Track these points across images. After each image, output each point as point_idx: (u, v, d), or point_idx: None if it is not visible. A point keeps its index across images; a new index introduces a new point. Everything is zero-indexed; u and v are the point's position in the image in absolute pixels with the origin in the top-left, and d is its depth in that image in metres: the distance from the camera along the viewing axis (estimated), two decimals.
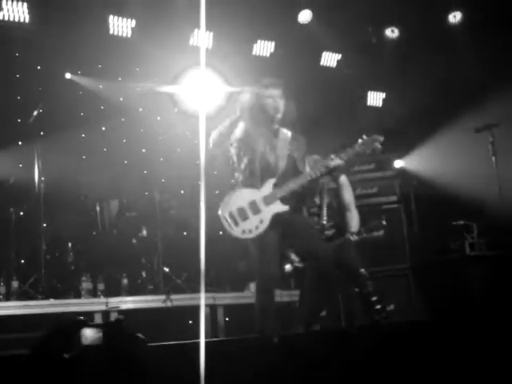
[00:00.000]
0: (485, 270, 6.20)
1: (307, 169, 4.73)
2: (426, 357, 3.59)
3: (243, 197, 4.56)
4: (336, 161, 4.57)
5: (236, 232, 4.48)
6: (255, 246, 4.54)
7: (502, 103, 6.90)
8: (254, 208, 4.53)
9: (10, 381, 2.44)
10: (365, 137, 4.68)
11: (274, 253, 4.58)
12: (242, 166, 4.68)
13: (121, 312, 5.60)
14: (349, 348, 3.57)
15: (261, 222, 4.51)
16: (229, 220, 4.49)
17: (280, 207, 4.56)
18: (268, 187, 4.58)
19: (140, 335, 2.02)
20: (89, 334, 2.01)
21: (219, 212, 4.51)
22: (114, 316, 5.50)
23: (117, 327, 1.99)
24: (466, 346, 3.70)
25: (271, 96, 4.69)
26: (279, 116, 4.72)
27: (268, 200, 4.55)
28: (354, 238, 5.50)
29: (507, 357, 3.65)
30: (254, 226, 4.49)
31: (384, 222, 5.83)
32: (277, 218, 4.53)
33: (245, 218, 4.51)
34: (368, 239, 5.76)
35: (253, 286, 6.18)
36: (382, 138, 4.69)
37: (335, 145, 4.80)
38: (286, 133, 4.80)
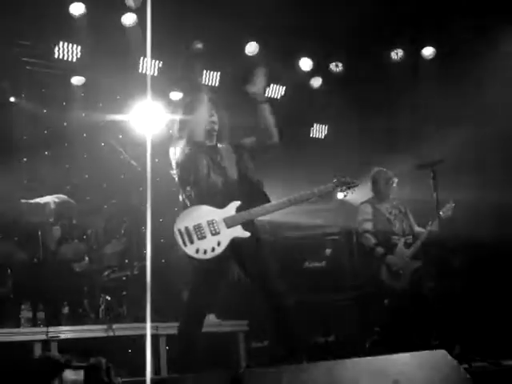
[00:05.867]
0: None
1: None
2: None
3: (202, 214, 4.22)
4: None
5: (189, 250, 4.14)
6: (200, 270, 4.26)
7: (443, 141, 7.13)
8: (213, 228, 4.20)
9: None
10: (341, 179, 4.56)
11: (215, 284, 4.31)
12: (188, 189, 4.37)
13: (61, 341, 5.47)
14: None
15: (218, 244, 4.17)
16: (184, 236, 4.15)
17: (240, 232, 4.24)
18: (231, 208, 4.28)
19: (119, 379, 1.96)
20: (69, 376, 1.96)
21: (174, 226, 4.17)
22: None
23: (96, 369, 1.94)
24: None
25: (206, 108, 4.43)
26: (216, 129, 4.48)
27: (229, 222, 4.23)
28: None
29: None
30: (210, 247, 4.15)
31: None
32: (235, 243, 4.22)
33: (202, 236, 4.16)
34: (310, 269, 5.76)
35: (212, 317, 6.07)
36: (358, 183, 4.62)
37: (285, 176, 4.77)
38: (225, 146, 4.55)
